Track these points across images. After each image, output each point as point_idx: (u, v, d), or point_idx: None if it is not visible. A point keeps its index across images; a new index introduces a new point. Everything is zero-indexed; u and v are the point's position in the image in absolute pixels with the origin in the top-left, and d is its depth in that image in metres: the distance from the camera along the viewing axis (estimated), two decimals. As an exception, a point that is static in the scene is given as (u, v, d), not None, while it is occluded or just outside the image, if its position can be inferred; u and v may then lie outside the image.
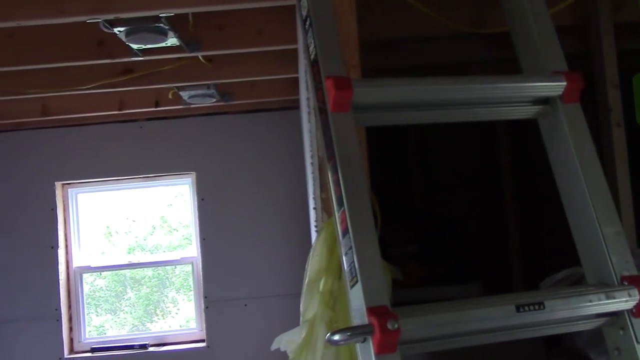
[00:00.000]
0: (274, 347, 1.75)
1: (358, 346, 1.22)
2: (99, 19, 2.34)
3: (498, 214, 4.30)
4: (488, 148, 4.37)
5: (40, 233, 4.40)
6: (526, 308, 1.25)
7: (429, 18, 2.53)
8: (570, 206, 1.49)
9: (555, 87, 1.49)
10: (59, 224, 4.44)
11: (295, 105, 3.99)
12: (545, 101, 1.52)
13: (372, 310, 1.19)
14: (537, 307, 1.26)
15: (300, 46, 2.50)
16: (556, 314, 1.29)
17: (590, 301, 1.31)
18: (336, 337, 1.20)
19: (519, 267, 4.23)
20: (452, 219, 4.16)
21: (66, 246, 4.52)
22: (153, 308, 6.61)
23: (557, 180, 1.52)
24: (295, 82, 3.58)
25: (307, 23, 1.52)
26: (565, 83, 1.48)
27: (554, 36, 1.57)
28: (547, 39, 1.56)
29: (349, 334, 1.20)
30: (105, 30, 2.46)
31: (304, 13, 1.54)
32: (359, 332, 1.19)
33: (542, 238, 4.15)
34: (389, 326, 1.16)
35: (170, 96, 3.79)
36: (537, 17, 1.58)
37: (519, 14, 1.62)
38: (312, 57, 1.48)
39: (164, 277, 6.57)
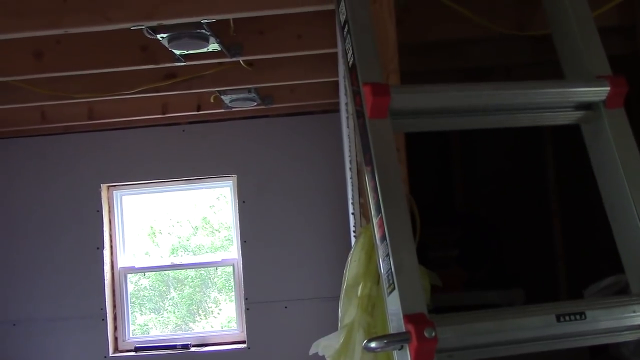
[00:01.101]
0: (312, 351, 1.75)
1: (395, 353, 1.22)
2: (143, 25, 2.38)
3: (542, 217, 4.22)
4: (532, 149, 4.30)
5: (86, 234, 4.51)
6: (567, 318, 1.23)
7: (471, 20, 2.50)
8: (614, 213, 1.45)
9: (598, 92, 1.46)
10: (104, 225, 4.55)
11: (335, 109, 4.00)
12: (588, 106, 1.49)
13: (409, 318, 1.19)
14: (578, 317, 1.23)
15: (339, 50, 2.51)
16: (598, 325, 1.26)
17: (634, 312, 1.28)
18: (373, 345, 1.20)
19: (563, 272, 4.14)
20: (494, 222, 4.10)
21: (111, 247, 4.62)
22: (195, 308, 6.69)
23: (600, 187, 1.49)
24: (335, 85, 3.59)
25: (346, 29, 1.52)
26: (609, 88, 1.45)
27: (597, 40, 1.53)
28: (591, 43, 1.53)
29: (385, 341, 1.20)
30: (149, 36, 2.51)
31: (343, 19, 1.55)
32: (396, 340, 1.19)
33: (588, 242, 4.06)
34: (426, 334, 1.16)
35: (212, 100, 3.84)
36: (580, 21, 1.55)
37: (562, 18, 1.59)
38: (350, 62, 1.49)
39: (206, 278, 6.64)
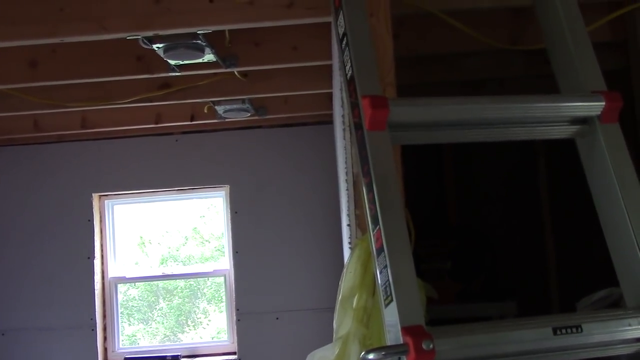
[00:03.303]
0: (306, 363, 1.75)
1: (392, 365, 1.22)
2: (139, 35, 2.39)
3: (534, 230, 4.24)
4: (524, 162, 4.32)
5: (77, 244, 4.48)
6: (563, 331, 1.24)
7: (466, 33, 2.52)
8: (609, 227, 1.47)
9: (593, 106, 1.48)
10: (95, 235, 4.52)
11: (329, 120, 4.00)
12: (583, 121, 1.50)
13: (407, 330, 1.19)
14: (574, 330, 1.24)
15: (335, 63, 2.52)
16: (594, 338, 1.27)
17: (630, 325, 1.29)
18: (371, 356, 1.20)
19: (555, 285, 4.16)
20: (487, 234, 4.12)
21: (102, 257, 4.60)
22: (185, 319, 6.65)
23: (595, 200, 1.50)
24: (329, 97, 3.60)
25: (344, 41, 1.53)
26: (603, 103, 1.47)
27: (592, 55, 1.55)
28: (585, 58, 1.55)
29: (383, 353, 1.20)
30: (144, 46, 2.51)
31: (341, 31, 1.56)
32: (394, 352, 1.19)
33: (580, 255, 4.08)
34: (424, 346, 1.16)
35: (205, 110, 3.84)
36: (574, 36, 1.57)
37: (557, 33, 1.61)
38: (348, 75, 1.50)
39: (195, 288, 6.61)
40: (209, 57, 2.68)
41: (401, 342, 1.18)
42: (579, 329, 1.25)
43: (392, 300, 1.23)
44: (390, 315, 1.24)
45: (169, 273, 5.19)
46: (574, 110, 1.49)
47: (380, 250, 1.29)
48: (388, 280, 1.25)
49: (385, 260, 1.26)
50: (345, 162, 2.03)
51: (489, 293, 3.74)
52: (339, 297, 1.67)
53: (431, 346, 1.16)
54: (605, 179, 1.45)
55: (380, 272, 1.29)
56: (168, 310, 6.61)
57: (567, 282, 4.06)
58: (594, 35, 1.63)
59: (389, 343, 1.24)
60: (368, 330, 1.56)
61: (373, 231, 1.33)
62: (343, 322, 1.64)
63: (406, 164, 1.71)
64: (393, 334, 1.22)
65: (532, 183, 4.27)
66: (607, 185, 1.45)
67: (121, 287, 4.99)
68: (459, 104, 1.45)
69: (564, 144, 1.64)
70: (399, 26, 2.59)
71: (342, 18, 1.53)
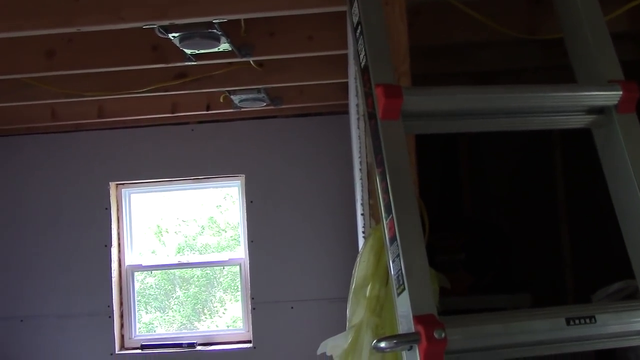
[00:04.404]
0: (319, 351, 1.76)
1: (404, 354, 1.22)
2: (155, 25, 2.39)
3: (550, 223, 4.21)
4: (540, 154, 4.29)
5: (95, 232, 4.52)
6: (576, 321, 1.23)
7: (483, 23, 2.50)
8: (624, 218, 1.45)
9: (610, 96, 1.46)
10: (112, 223, 4.56)
11: (344, 110, 4.00)
12: (599, 111, 1.49)
13: (419, 319, 1.19)
14: (587, 320, 1.23)
15: (350, 52, 2.51)
16: (607, 329, 1.26)
17: (644, 316, 1.28)
18: (382, 344, 1.21)
19: (570, 278, 4.13)
20: (501, 227, 4.10)
21: (119, 245, 4.64)
22: (201, 307, 6.70)
23: (611, 191, 1.49)
24: (344, 87, 3.59)
25: (358, 30, 1.53)
26: (621, 92, 1.45)
27: (609, 44, 1.54)
28: (603, 48, 1.53)
29: (395, 341, 1.20)
30: (160, 35, 2.52)
31: (355, 20, 1.56)
32: (406, 340, 1.19)
33: (595, 248, 4.05)
34: (436, 335, 1.16)
35: (221, 100, 3.85)
36: (592, 25, 1.55)
37: (574, 22, 1.59)
38: (362, 64, 1.49)
39: (212, 277, 6.66)
40: (224, 46, 2.68)
41: (413, 330, 1.19)
42: (593, 320, 1.24)
43: (404, 289, 1.24)
44: (403, 304, 1.24)
45: (185, 261, 5.22)
46: (590, 100, 1.48)
47: (393, 240, 1.29)
48: (400, 269, 1.25)
49: (398, 249, 1.27)
50: (360, 152, 2.03)
51: (502, 285, 3.72)
52: (352, 287, 1.68)
53: (443, 335, 1.16)
54: (622, 169, 1.44)
55: (393, 262, 1.29)
56: (185, 299, 6.66)
57: (583, 275, 4.03)
58: (612, 25, 1.61)
59: (401, 332, 1.24)
60: (380, 320, 1.57)
61: (386, 220, 1.33)
62: (356, 312, 1.64)
63: (420, 156, 1.71)
64: (405, 323, 1.23)
65: (547, 175, 4.23)
66: (623, 175, 1.43)
67: (139, 276, 5.04)
68: (474, 93, 1.44)
69: (581, 135, 1.63)
70: (415, 15, 2.57)
71: (357, 6, 1.53)
